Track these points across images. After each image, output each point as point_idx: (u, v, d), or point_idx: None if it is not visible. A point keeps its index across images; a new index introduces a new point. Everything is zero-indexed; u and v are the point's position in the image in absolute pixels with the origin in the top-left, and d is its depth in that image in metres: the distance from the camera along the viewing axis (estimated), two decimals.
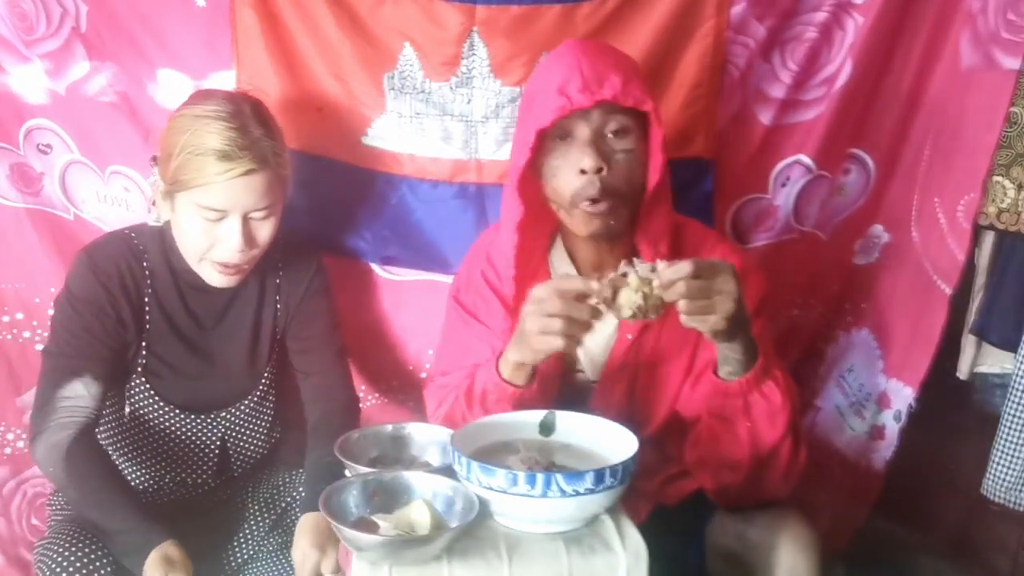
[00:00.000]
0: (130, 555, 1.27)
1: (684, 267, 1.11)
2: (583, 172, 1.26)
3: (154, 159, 1.40)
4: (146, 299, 1.42)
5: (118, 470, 1.40)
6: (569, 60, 1.28)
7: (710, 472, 1.30)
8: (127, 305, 1.40)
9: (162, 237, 1.42)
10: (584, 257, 1.40)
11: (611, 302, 1.13)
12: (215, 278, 1.39)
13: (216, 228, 1.33)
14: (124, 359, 1.42)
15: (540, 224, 1.38)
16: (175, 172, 1.31)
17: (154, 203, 1.41)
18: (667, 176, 1.32)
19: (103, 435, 1.46)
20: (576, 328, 1.16)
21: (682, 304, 1.12)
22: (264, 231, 1.37)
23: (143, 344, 1.43)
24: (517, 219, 1.31)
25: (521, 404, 1.26)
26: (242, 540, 1.52)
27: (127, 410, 1.45)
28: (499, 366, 1.27)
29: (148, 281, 1.42)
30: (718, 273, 1.13)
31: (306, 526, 1.31)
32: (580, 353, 1.41)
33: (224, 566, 1.51)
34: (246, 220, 1.34)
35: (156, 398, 1.45)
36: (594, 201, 1.27)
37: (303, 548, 1.29)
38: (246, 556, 1.52)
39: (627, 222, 1.33)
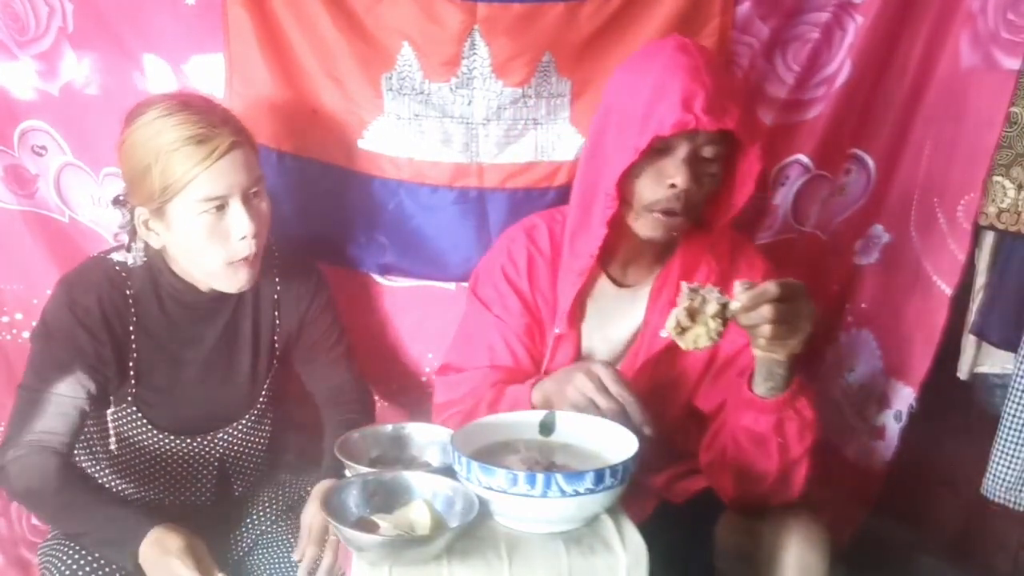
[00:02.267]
0: (118, 542, 1.19)
1: (771, 290, 1.07)
2: (672, 186, 1.27)
3: (116, 201, 1.36)
4: (131, 328, 1.36)
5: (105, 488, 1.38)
6: (691, 71, 1.24)
7: (733, 481, 1.29)
8: (108, 340, 1.33)
9: (148, 262, 1.37)
10: (617, 251, 1.40)
11: (686, 331, 1.11)
12: (236, 279, 1.33)
13: (222, 222, 1.29)
14: (105, 393, 1.37)
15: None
16: (160, 180, 1.25)
17: (130, 246, 1.35)
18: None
19: (95, 464, 1.44)
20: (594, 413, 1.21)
21: (766, 329, 1.09)
22: (264, 210, 1.34)
23: (131, 375, 1.38)
24: (609, 215, 1.31)
25: None
26: (245, 531, 1.51)
27: (116, 439, 1.40)
28: (532, 391, 1.29)
29: (132, 310, 1.36)
30: (798, 294, 1.10)
31: (320, 491, 1.28)
32: (600, 348, 1.42)
33: (228, 555, 1.49)
34: (248, 201, 1.30)
35: (149, 426, 1.41)
36: (669, 213, 1.28)
37: (313, 511, 1.28)
38: (249, 543, 1.50)
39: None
